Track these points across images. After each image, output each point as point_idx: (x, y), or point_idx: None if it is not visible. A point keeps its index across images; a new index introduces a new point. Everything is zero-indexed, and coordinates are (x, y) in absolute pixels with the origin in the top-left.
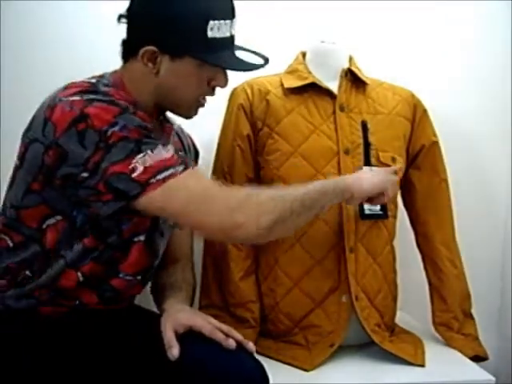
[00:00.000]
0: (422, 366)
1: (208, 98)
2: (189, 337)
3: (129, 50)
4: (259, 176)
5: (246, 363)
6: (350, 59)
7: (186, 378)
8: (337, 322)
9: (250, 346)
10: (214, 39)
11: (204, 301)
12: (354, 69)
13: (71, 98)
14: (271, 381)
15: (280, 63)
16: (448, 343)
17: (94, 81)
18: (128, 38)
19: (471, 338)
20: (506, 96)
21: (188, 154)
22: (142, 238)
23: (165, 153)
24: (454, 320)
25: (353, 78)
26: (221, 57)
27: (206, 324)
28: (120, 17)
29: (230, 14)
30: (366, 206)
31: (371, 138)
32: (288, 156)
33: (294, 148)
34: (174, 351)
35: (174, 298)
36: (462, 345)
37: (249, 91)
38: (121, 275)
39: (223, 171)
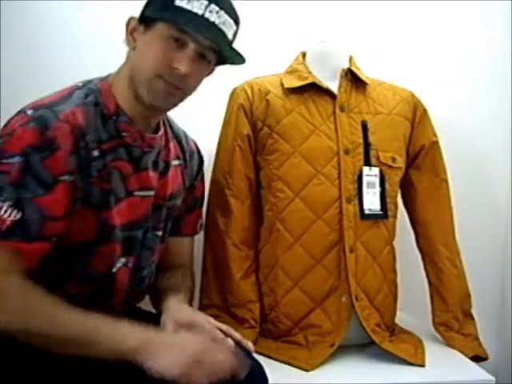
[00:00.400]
0: (422, 365)
1: (208, 97)
2: None
3: None
4: (259, 176)
5: (250, 365)
6: (350, 59)
7: None
8: (337, 322)
9: (250, 345)
10: (181, 8)
11: (204, 301)
12: (354, 69)
13: (26, 112)
14: (271, 381)
15: (280, 63)
16: (448, 343)
17: (80, 84)
18: None
19: (471, 338)
20: (506, 96)
21: (188, 162)
22: (120, 263)
23: (8, 213)
24: (454, 320)
25: (353, 78)
26: (180, 16)
27: (206, 323)
28: None
29: None
30: (366, 206)
31: (371, 138)
32: (288, 156)
33: (294, 148)
34: None
35: (174, 298)
36: (461, 345)
37: (249, 91)
38: (116, 304)
39: (223, 171)
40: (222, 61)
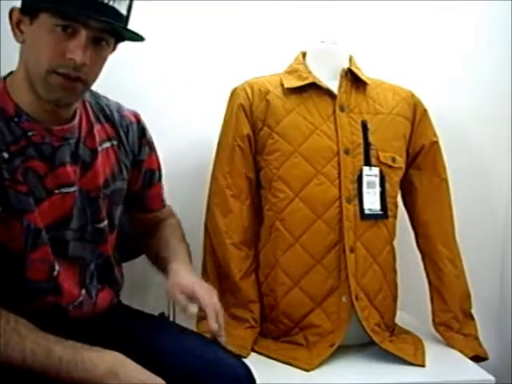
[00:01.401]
0: (422, 366)
1: (208, 97)
2: (176, 339)
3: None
4: (259, 176)
5: (230, 363)
6: (350, 59)
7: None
8: (337, 322)
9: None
10: None
11: None
12: (354, 69)
13: None
14: (272, 381)
15: (280, 63)
16: (448, 343)
17: None
18: None
19: (471, 338)
20: (506, 96)
21: (124, 139)
22: (57, 266)
23: None
24: (454, 320)
25: (353, 78)
26: (61, 6)
27: (206, 299)
28: None
29: None
30: (366, 206)
31: (371, 138)
32: (288, 156)
33: (294, 148)
34: (192, 308)
35: (176, 264)
36: (462, 345)
37: (249, 91)
38: (70, 307)
39: (223, 171)
40: (122, 38)
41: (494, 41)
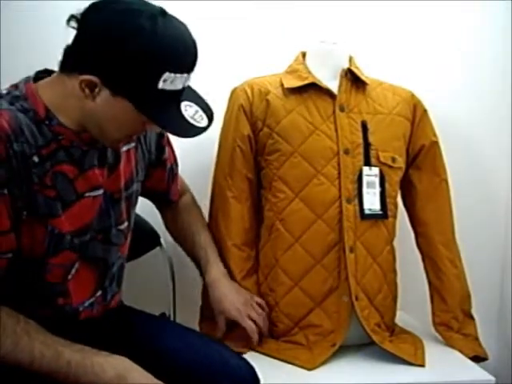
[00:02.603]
0: (422, 366)
1: (208, 98)
2: (181, 339)
3: (71, 63)
4: (260, 176)
5: (236, 364)
6: (350, 59)
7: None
8: (337, 322)
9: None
10: (164, 91)
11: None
12: (353, 69)
13: None
14: (272, 380)
15: (280, 63)
16: (448, 343)
17: (4, 92)
18: (74, 50)
19: (471, 338)
20: (506, 96)
21: (142, 139)
22: (74, 270)
23: None
24: (453, 320)
25: (353, 78)
26: (164, 114)
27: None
28: (71, 18)
29: (189, 67)
30: (366, 206)
31: (371, 138)
32: (288, 156)
33: (294, 148)
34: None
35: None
36: (461, 345)
37: (249, 91)
38: (81, 308)
39: (224, 173)
40: None
41: (495, 41)
